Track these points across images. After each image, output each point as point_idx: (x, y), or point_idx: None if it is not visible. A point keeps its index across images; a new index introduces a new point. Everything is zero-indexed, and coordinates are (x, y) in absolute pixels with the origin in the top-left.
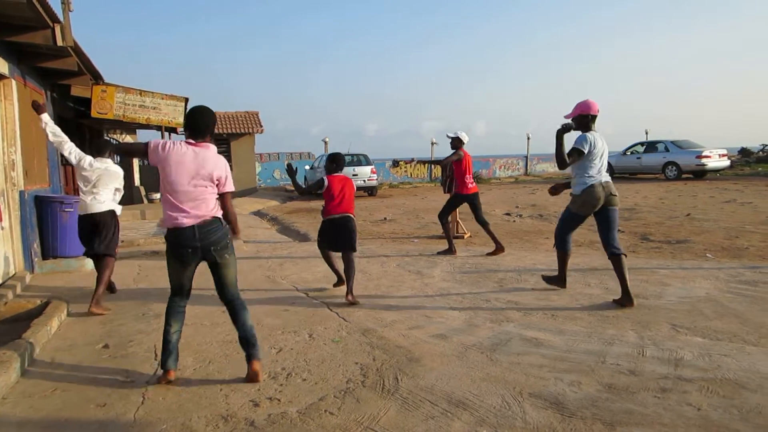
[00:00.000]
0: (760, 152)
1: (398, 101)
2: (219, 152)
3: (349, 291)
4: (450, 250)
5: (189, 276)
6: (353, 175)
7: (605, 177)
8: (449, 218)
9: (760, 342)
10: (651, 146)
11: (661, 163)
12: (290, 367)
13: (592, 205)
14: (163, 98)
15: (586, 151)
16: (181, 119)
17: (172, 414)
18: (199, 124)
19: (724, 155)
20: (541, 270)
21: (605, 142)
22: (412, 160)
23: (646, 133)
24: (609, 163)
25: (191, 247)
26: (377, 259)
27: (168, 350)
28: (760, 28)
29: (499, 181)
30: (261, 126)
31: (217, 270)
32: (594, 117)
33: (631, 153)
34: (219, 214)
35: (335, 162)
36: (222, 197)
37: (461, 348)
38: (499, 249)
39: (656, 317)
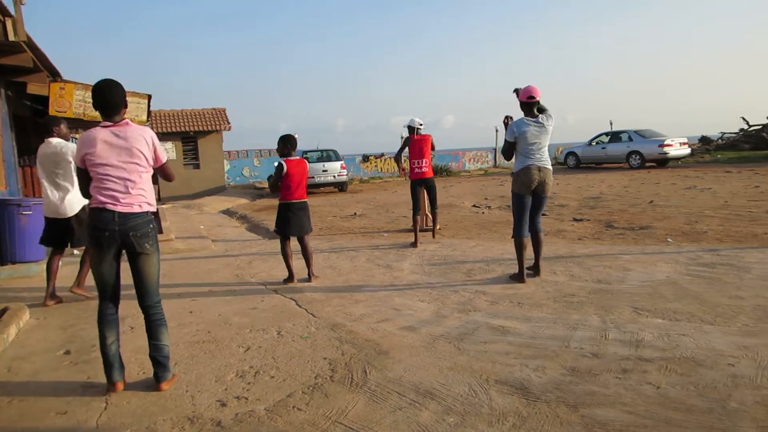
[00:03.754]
0: (719, 140)
1: (367, 96)
2: (186, 150)
3: (311, 273)
4: (414, 244)
5: (110, 271)
6: (323, 170)
7: (544, 163)
8: (419, 212)
9: (716, 321)
10: (615, 136)
11: (625, 153)
12: (258, 365)
13: (527, 184)
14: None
15: (511, 140)
16: (144, 117)
17: (137, 418)
18: (110, 100)
19: (685, 143)
20: (509, 260)
21: (546, 127)
22: (382, 154)
23: (611, 124)
24: (575, 153)
25: (108, 230)
26: (347, 255)
27: (109, 362)
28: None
29: (468, 174)
30: (228, 123)
31: (136, 264)
32: (530, 104)
33: (597, 143)
34: (148, 200)
35: (288, 143)
36: (161, 169)
37: (429, 339)
38: (432, 230)
39: (619, 301)
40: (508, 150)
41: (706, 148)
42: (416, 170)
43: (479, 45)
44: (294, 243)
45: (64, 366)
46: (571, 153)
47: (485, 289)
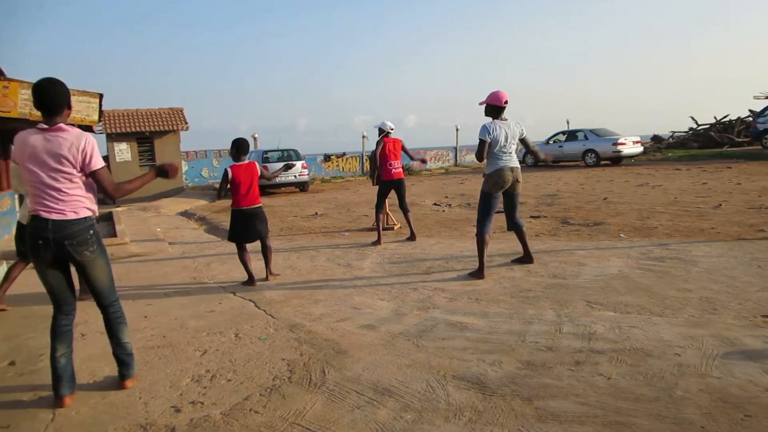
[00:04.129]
0: (670, 139)
1: (329, 96)
2: (142, 151)
3: (269, 271)
4: (377, 242)
5: (57, 280)
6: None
7: (514, 163)
8: (382, 210)
9: (665, 312)
10: (572, 135)
11: (581, 151)
12: (215, 368)
13: (501, 185)
14: (74, 94)
15: (488, 140)
16: (95, 117)
17: (86, 428)
18: (50, 100)
19: (637, 142)
20: (468, 257)
21: (516, 129)
22: (344, 154)
23: (568, 123)
24: (534, 151)
25: (42, 239)
26: (307, 254)
27: (57, 375)
28: (674, 29)
29: (429, 173)
30: (186, 123)
31: (82, 271)
32: (501, 108)
33: (554, 142)
34: (87, 205)
35: (238, 148)
36: (93, 177)
37: (388, 337)
38: (412, 238)
39: (573, 295)
40: (484, 151)
41: (658, 147)
42: (392, 171)
43: (440, 44)
44: (254, 244)
45: (8, 377)
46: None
47: (444, 286)
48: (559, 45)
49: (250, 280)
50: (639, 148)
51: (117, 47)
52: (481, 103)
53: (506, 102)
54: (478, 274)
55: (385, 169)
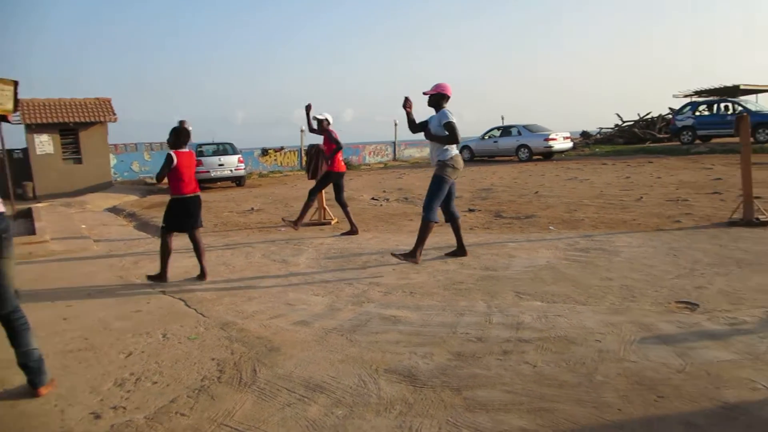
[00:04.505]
0: (598, 135)
1: (268, 88)
2: (66, 144)
3: (205, 268)
4: (295, 223)
5: None
6: (219, 164)
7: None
8: (314, 201)
9: (588, 301)
10: (506, 131)
11: (515, 146)
12: (140, 371)
13: (458, 170)
14: None
15: (455, 121)
16: (10, 105)
17: None
18: None
19: (567, 138)
20: (405, 250)
21: None
22: (282, 148)
23: (502, 119)
24: (470, 146)
25: None
26: (242, 251)
27: None
28: (595, 31)
29: (368, 167)
30: (114, 114)
31: None
32: (448, 98)
33: (489, 137)
34: None
35: (180, 135)
36: None
37: (322, 332)
38: (352, 231)
39: (503, 287)
40: (458, 133)
41: (586, 142)
42: (342, 163)
43: (377, 39)
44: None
45: None
46: (465, 146)
47: (380, 280)
48: (495, 42)
49: (163, 275)
50: (569, 144)
51: (39, 34)
52: (426, 93)
53: (451, 93)
54: (412, 256)
55: (337, 160)
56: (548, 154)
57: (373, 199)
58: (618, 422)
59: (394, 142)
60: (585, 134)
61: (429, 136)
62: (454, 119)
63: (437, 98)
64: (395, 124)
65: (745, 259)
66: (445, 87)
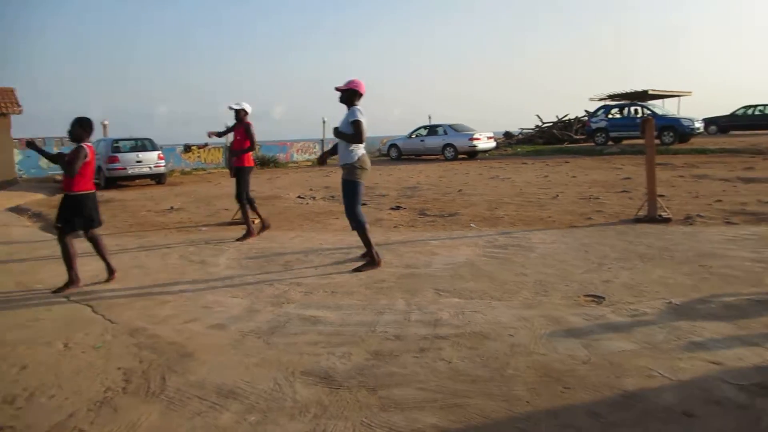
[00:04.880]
0: (519, 135)
1: (192, 83)
2: None
3: (113, 267)
4: (248, 233)
5: None
6: (137, 161)
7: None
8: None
9: (503, 297)
10: (432, 130)
11: (441, 145)
12: (34, 385)
13: (366, 171)
14: None
15: (364, 120)
16: None
17: None
18: None
19: (491, 137)
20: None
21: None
22: (206, 144)
23: (429, 118)
24: (397, 145)
25: None
26: (158, 252)
27: None
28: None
29: (296, 165)
30: (19, 106)
31: None
32: (361, 96)
33: (416, 136)
34: None
35: (85, 127)
36: None
37: (239, 336)
38: (266, 225)
39: (424, 284)
40: (364, 132)
41: (509, 142)
42: (252, 157)
43: (307, 34)
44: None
45: None
46: (393, 145)
47: (301, 280)
48: (422, 43)
49: (74, 280)
50: (492, 144)
51: None
52: (338, 89)
53: (364, 91)
54: (372, 263)
55: (248, 155)
56: (473, 154)
57: (299, 197)
58: (526, 414)
59: (322, 140)
60: (508, 134)
61: (337, 133)
62: (362, 118)
63: (349, 95)
64: (323, 122)
65: (648, 253)
66: (358, 84)
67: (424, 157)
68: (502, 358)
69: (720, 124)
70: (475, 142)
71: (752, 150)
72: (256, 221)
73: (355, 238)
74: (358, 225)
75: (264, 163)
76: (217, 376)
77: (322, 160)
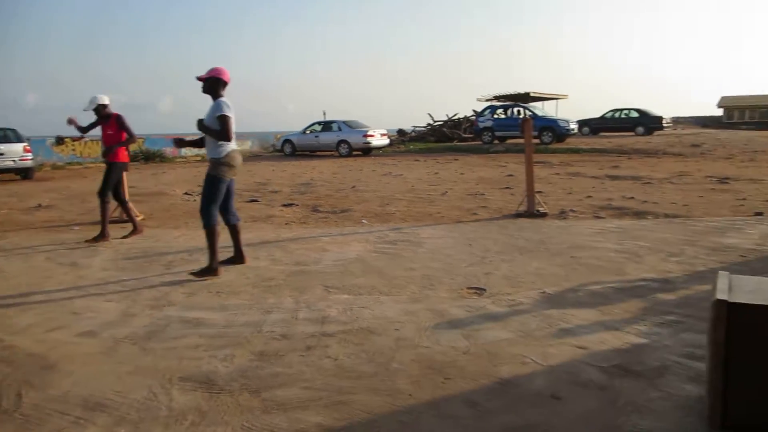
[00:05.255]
0: (412, 133)
1: (69, 70)
2: None
3: None
4: (102, 235)
5: None
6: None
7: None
8: (109, 201)
9: (392, 292)
10: (327, 126)
11: (336, 141)
12: None
13: (235, 168)
14: None
15: (231, 115)
16: None
17: None
18: None
19: (384, 134)
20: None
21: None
22: (81, 137)
23: (324, 114)
24: (291, 141)
25: None
26: (20, 254)
27: None
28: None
29: (184, 160)
30: None
31: None
32: (226, 84)
33: (310, 132)
34: None
35: None
36: None
37: (111, 343)
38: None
39: (313, 281)
40: (231, 128)
41: (402, 140)
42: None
43: (197, 24)
44: None
45: None
46: (287, 141)
47: (184, 281)
48: (318, 39)
49: None
50: (386, 141)
51: None
52: (200, 78)
53: (229, 79)
54: (210, 270)
55: (122, 149)
56: (367, 150)
57: (186, 194)
58: (408, 407)
59: None
60: (401, 132)
61: (201, 127)
62: (230, 112)
63: (212, 84)
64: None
65: (526, 246)
66: (221, 71)
67: (318, 153)
68: (387, 353)
69: (592, 126)
70: (369, 139)
71: (618, 150)
72: (140, 218)
73: (244, 236)
74: (207, 225)
75: (148, 157)
76: (83, 388)
77: (180, 143)
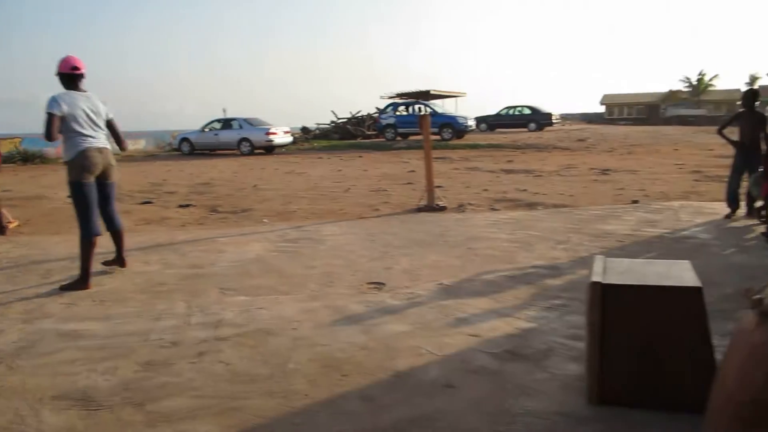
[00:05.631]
0: (316, 130)
1: None
2: None
3: None
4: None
5: None
6: None
7: (102, 143)
8: None
9: (291, 291)
10: (227, 123)
11: (237, 139)
12: None
13: (91, 170)
14: None
15: (57, 114)
16: None
17: None
18: None
19: (288, 132)
20: (100, 253)
21: (101, 106)
22: None
23: (224, 111)
24: (189, 139)
25: None
26: None
27: None
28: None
29: None
30: None
31: None
32: (72, 76)
33: (210, 130)
34: None
35: None
36: None
37: None
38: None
39: (208, 284)
40: (53, 127)
41: (306, 137)
42: None
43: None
44: None
45: None
46: (185, 139)
47: (64, 290)
48: (217, 34)
49: None
50: (289, 138)
51: None
52: (56, 74)
53: (77, 69)
54: (80, 283)
55: None
56: (270, 148)
57: (69, 197)
58: (304, 408)
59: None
60: (305, 129)
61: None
62: (56, 110)
63: (61, 77)
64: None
65: (426, 240)
66: (63, 62)
67: (218, 152)
68: (284, 354)
69: (489, 122)
70: (271, 137)
71: (513, 145)
72: (14, 224)
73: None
74: (80, 235)
75: (27, 158)
76: None
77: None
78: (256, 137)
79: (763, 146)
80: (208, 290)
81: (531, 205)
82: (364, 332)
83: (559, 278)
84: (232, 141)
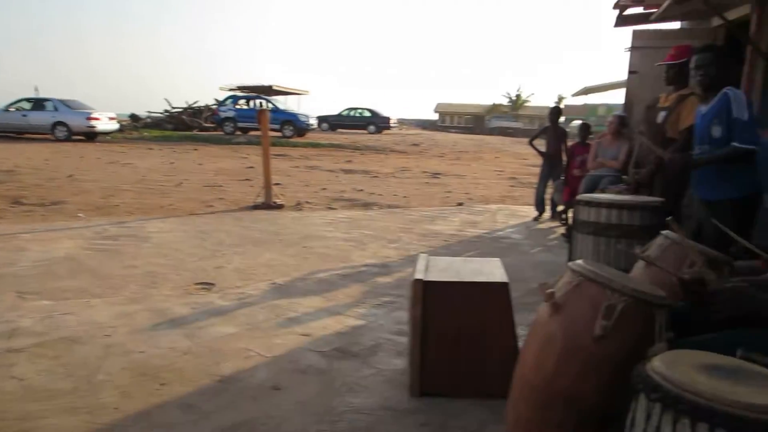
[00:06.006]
0: (147, 119)
1: None
2: None
3: None
4: None
5: None
6: None
7: None
8: None
9: (106, 293)
10: (39, 104)
11: (51, 123)
12: None
13: None
14: None
15: None
16: None
17: None
18: None
19: (113, 118)
20: None
21: None
22: None
23: (36, 90)
24: None
25: None
26: None
27: None
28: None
29: None
30: None
31: None
32: None
33: (17, 110)
34: None
35: None
36: None
37: None
38: None
39: (2, 287)
40: None
41: (135, 126)
42: None
43: None
44: None
45: None
46: None
47: None
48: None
49: None
50: (115, 125)
51: None
52: None
53: None
54: None
55: None
56: (92, 135)
57: None
58: (112, 423)
59: None
60: (134, 117)
61: None
62: None
63: None
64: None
65: (261, 238)
66: None
67: (27, 135)
68: (93, 364)
69: (330, 122)
70: (93, 122)
71: (353, 146)
72: None
73: None
74: None
75: None
76: None
77: None
78: (74, 122)
79: (564, 157)
80: (2, 294)
81: (367, 205)
82: (188, 336)
83: (389, 276)
84: (45, 124)
